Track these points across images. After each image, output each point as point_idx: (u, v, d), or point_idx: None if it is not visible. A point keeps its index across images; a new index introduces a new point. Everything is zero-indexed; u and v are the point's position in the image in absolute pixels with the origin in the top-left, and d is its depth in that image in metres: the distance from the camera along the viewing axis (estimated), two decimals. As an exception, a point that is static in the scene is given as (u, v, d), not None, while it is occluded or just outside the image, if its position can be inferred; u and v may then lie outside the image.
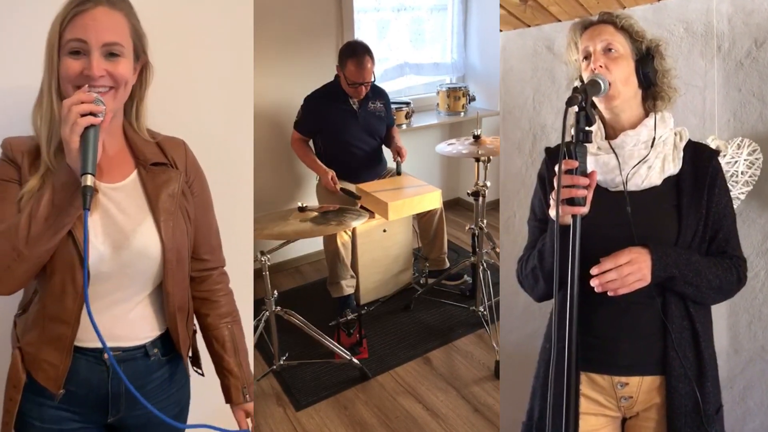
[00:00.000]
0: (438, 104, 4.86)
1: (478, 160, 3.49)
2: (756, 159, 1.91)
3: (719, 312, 2.13)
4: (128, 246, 1.38)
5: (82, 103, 1.21)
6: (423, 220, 3.85)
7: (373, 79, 3.63)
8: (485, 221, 3.49)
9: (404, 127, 4.54)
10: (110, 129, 1.36)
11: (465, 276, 3.86)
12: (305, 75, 3.94)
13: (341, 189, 3.62)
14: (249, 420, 1.65)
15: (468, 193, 3.53)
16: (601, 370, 1.48)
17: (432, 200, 3.59)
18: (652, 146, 1.43)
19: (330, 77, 3.73)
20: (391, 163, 3.93)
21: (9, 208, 1.30)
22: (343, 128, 3.67)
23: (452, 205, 5.16)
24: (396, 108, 4.40)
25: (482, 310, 3.46)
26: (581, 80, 1.51)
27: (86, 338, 1.38)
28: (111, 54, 1.29)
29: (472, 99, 4.87)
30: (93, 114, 1.22)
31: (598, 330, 1.45)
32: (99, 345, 1.33)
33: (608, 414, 1.51)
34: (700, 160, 1.47)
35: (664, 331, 1.43)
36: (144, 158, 1.44)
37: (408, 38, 4.89)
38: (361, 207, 3.48)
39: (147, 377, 1.49)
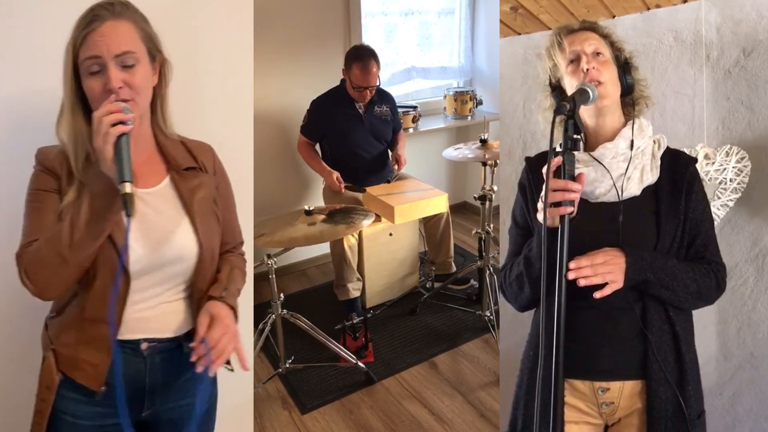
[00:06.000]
0: (445, 108, 4.88)
1: (485, 164, 3.51)
2: (744, 166, 1.92)
3: (709, 319, 2.14)
4: (167, 246, 1.44)
5: (111, 113, 1.27)
6: (429, 224, 3.85)
7: (378, 84, 3.63)
8: (492, 225, 3.48)
9: (411, 131, 4.55)
10: (138, 134, 1.41)
11: (471, 280, 3.86)
12: (312, 79, 3.97)
13: (345, 187, 3.64)
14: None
15: (475, 197, 3.53)
16: (582, 375, 1.48)
17: (438, 204, 3.60)
18: (632, 148, 1.46)
19: (337, 81, 3.75)
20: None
21: (51, 218, 1.37)
22: (349, 132, 3.68)
23: (459, 209, 5.18)
24: (403, 112, 4.41)
25: (488, 314, 3.47)
26: (550, 83, 1.56)
27: (123, 331, 1.43)
28: (126, 65, 1.34)
29: (480, 103, 4.86)
30: (122, 123, 1.28)
31: (580, 335, 1.44)
32: (135, 337, 1.44)
33: (590, 421, 1.51)
34: (677, 167, 1.50)
35: (644, 335, 1.44)
36: (176, 163, 1.51)
37: (415, 42, 4.90)
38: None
39: (181, 370, 1.52)
